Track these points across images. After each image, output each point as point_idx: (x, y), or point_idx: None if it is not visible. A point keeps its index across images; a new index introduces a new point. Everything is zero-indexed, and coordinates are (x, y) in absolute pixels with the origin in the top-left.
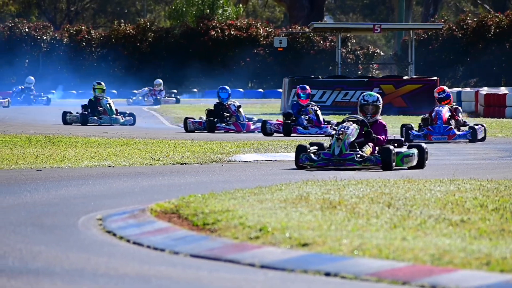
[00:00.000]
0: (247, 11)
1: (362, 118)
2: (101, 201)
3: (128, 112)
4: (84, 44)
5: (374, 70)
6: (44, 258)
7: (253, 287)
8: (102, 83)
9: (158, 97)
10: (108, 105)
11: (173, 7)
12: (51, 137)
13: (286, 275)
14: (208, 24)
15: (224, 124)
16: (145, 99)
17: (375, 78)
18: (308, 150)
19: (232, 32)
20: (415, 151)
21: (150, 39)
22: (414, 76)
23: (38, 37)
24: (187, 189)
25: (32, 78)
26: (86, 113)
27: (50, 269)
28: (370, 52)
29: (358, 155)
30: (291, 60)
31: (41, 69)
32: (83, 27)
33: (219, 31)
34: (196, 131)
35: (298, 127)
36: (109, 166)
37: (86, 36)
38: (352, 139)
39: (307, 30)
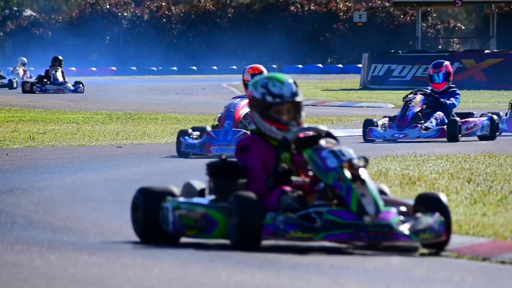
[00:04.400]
0: None
1: None
2: (181, 177)
3: None
4: (164, 20)
5: (454, 44)
6: (124, 234)
7: (332, 263)
8: None
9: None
10: None
11: None
12: (132, 114)
13: (365, 251)
14: None
15: None
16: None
17: (456, 53)
18: None
19: (312, 7)
20: None
21: (229, 15)
22: (495, 50)
23: (119, 14)
24: None
25: None
26: None
27: (130, 244)
28: (450, 26)
29: None
30: (370, 35)
31: (122, 46)
32: (163, 4)
33: (299, 6)
34: None
35: None
36: None
37: (167, 12)
38: None
39: (387, 4)
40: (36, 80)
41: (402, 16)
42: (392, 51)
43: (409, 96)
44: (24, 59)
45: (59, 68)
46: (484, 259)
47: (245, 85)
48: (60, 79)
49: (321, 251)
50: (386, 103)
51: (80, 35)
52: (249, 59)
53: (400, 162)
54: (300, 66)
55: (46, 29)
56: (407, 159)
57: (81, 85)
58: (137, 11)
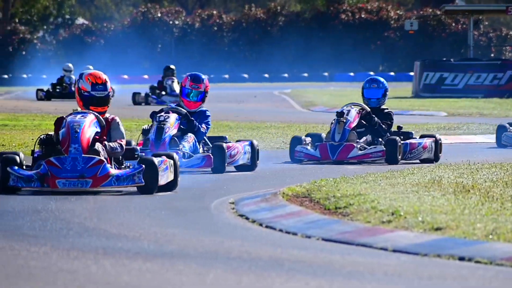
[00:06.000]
0: None
1: None
2: (233, 184)
3: None
4: (215, 28)
5: (507, 53)
6: (178, 241)
7: (386, 271)
8: None
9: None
10: None
11: None
12: None
13: (419, 259)
14: (338, 7)
15: None
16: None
17: (509, 61)
18: None
19: (363, 16)
20: None
21: (280, 23)
22: None
23: (170, 22)
24: (318, 173)
25: None
26: None
27: (184, 251)
28: (503, 34)
29: None
30: (422, 43)
31: (173, 54)
32: (214, 12)
33: (350, 14)
34: None
35: None
36: None
37: (218, 20)
38: None
39: (438, 12)
40: (150, 91)
41: (453, 24)
42: (444, 59)
43: (162, 115)
44: (91, 67)
45: (174, 78)
46: None
47: (81, 95)
48: (177, 90)
49: (376, 257)
50: (438, 111)
51: (131, 43)
52: (300, 67)
53: (453, 170)
54: (351, 74)
55: (98, 37)
56: (461, 167)
57: None
58: (188, 20)
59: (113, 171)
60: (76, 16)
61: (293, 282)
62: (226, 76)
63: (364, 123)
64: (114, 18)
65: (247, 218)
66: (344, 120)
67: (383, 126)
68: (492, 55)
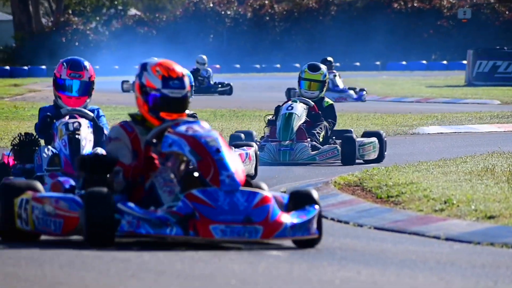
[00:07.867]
0: None
1: None
2: (285, 173)
3: None
4: (267, 18)
5: None
6: None
7: (439, 259)
8: None
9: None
10: None
11: None
12: (236, 111)
13: (472, 248)
14: None
15: None
16: None
17: None
18: None
19: (415, 4)
20: None
21: (332, 12)
22: None
23: (222, 12)
24: (370, 162)
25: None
26: None
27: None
28: None
29: None
30: (475, 32)
31: (225, 44)
32: (266, 2)
33: (402, 3)
34: None
35: None
36: None
37: (269, 10)
38: None
39: (492, 0)
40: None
41: (507, 12)
42: (498, 47)
43: (71, 121)
44: (204, 57)
45: (335, 71)
46: None
47: (145, 95)
48: (341, 85)
49: (428, 245)
50: (492, 100)
51: (183, 33)
52: (352, 56)
53: (507, 159)
54: (403, 63)
55: (151, 28)
56: None
57: (364, 92)
58: (240, 10)
59: (285, 216)
60: (128, 7)
61: (345, 271)
62: (278, 65)
63: None
64: (167, 8)
65: None
66: None
67: None
68: None
